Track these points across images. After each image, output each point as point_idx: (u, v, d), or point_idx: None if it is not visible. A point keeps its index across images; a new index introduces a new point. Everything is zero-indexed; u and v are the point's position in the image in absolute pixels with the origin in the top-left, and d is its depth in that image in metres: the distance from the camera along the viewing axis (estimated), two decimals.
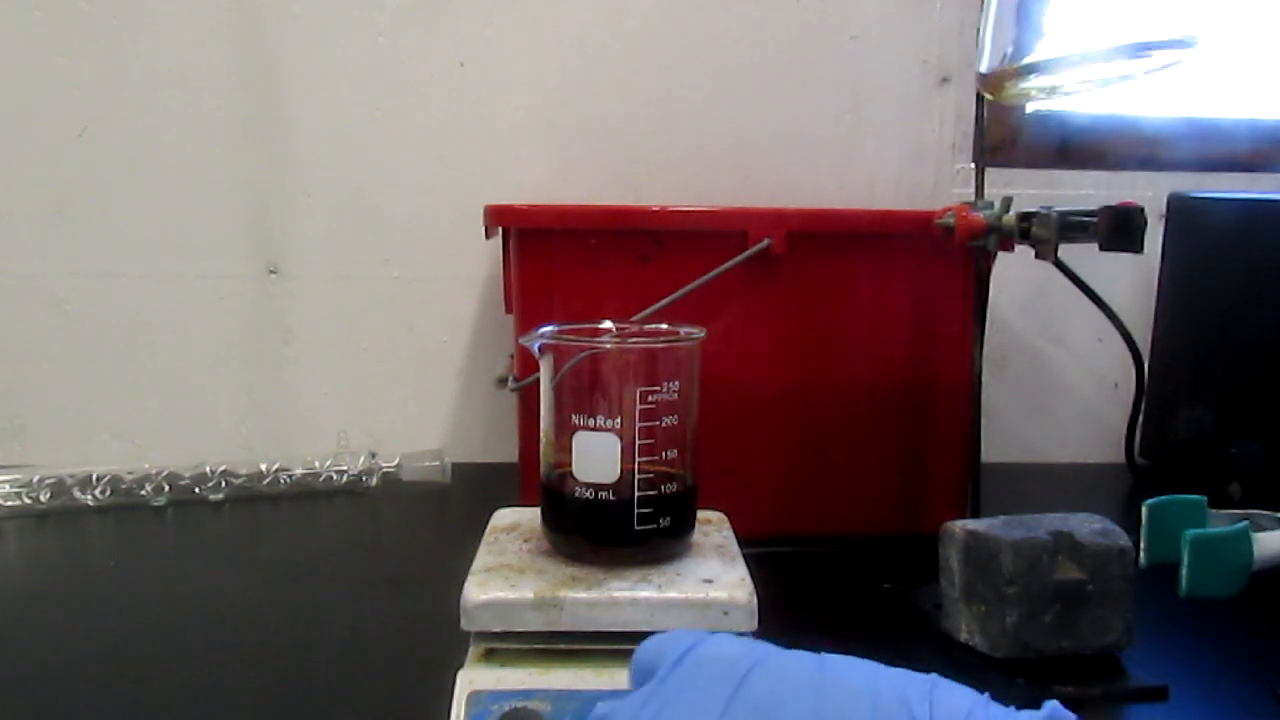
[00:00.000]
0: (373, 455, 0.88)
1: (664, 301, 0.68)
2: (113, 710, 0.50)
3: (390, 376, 0.96)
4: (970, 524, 0.54)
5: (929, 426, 0.75)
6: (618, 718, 0.35)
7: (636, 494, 0.47)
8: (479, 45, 0.92)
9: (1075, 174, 0.99)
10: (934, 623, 0.57)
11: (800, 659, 0.36)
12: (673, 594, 0.45)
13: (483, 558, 0.49)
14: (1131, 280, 0.94)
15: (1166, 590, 0.49)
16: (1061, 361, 1.01)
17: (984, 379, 0.67)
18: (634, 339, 0.52)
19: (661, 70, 0.93)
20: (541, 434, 0.50)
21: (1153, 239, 0.79)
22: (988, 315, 0.67)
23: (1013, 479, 0.93)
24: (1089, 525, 0.54)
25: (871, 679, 0.34)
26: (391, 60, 0.91)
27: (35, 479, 0.80)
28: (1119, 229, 0.55)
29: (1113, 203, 0.55)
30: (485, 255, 0.91)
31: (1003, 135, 0.98)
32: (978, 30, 0.58)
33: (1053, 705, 0.33)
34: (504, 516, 0.56)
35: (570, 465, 0.48)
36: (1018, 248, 0.64)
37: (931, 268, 0.73)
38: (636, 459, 0.47)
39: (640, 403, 0.47)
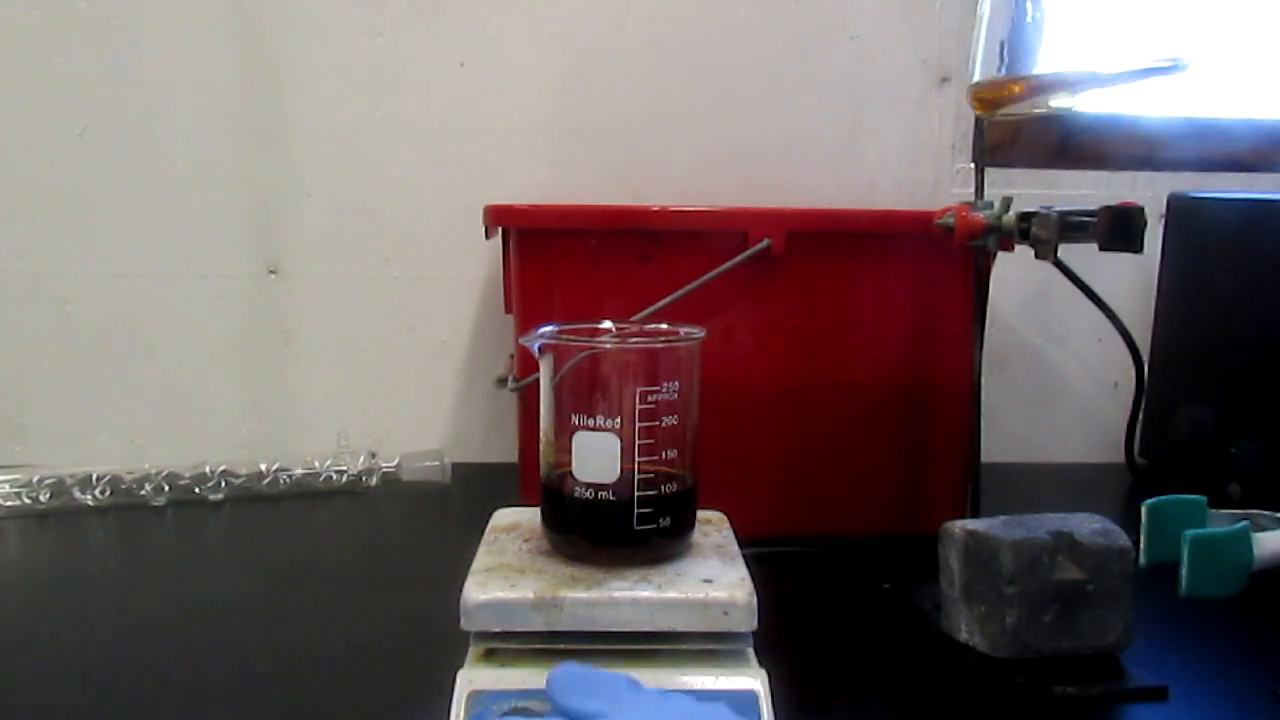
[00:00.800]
0: (373, 455, 0.88)
1: (664, 301, 0.68)
2: (113, 710, 0.50)
3: (390, 376, 0.96)
4: (970, 524, 0.54)
5: (929, 426, 0.75)
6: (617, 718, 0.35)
7: (636, 494, 0.47)
8: (479, 45, 0.92)
9: (1075, 174, 0.99)
10: (934, 623, 0.57)
11: None
12: (672, 594, 0.45)
13: (483, 558, 0.49)
14: (1131, 280, 0.94)
15: (1166, 590, 0.49)
16: (1061, 361, 1.01)
17: (984, 379, 0.66)
18: (634, 339, 0.52)
19: (661, 70, 0.93)
20: (541, 434, 0.50)
21: (1153, 239, 0.79)
22: (988, 315, 0.67)
23: (1013, 479, 0.93)
24: (1089, 525, 0.54)
25: None
26: (391, 60, 0.91)
27: (35, 479, 0.80)
28: (1119, 229, 0.54)
29: (1112, 203, 0.55)
30: (485, 255, 0.91)
31: (1002, 135, 0.98)
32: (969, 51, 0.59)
33: None
34: (504, 516, 0.56)
35: (570, 465, 0.48)
36: (1018, 248, 0.64)
37: (931, 268, 0.73)
38: (636, 459, 0.47)
39: (640, 403, 0.47)
